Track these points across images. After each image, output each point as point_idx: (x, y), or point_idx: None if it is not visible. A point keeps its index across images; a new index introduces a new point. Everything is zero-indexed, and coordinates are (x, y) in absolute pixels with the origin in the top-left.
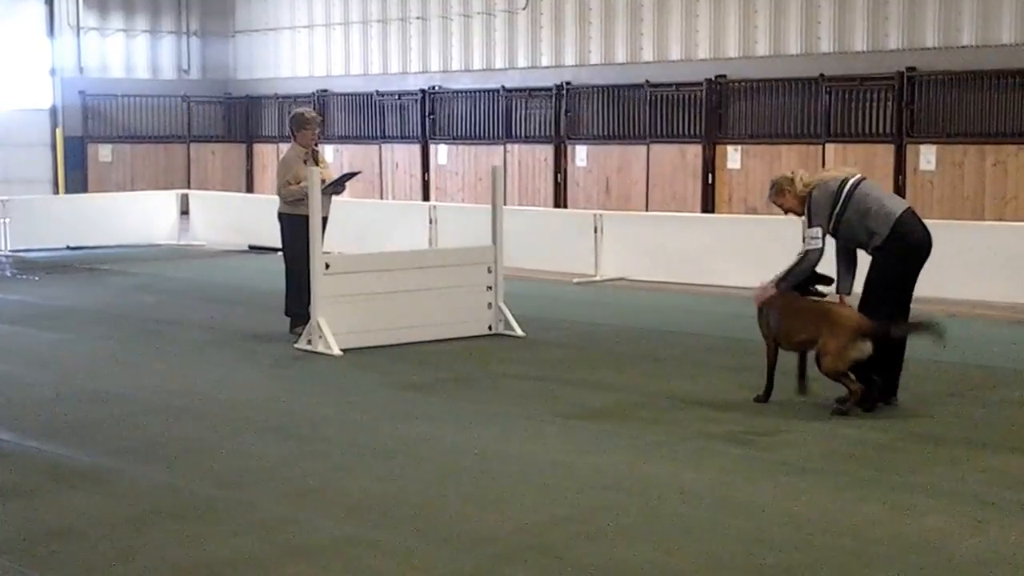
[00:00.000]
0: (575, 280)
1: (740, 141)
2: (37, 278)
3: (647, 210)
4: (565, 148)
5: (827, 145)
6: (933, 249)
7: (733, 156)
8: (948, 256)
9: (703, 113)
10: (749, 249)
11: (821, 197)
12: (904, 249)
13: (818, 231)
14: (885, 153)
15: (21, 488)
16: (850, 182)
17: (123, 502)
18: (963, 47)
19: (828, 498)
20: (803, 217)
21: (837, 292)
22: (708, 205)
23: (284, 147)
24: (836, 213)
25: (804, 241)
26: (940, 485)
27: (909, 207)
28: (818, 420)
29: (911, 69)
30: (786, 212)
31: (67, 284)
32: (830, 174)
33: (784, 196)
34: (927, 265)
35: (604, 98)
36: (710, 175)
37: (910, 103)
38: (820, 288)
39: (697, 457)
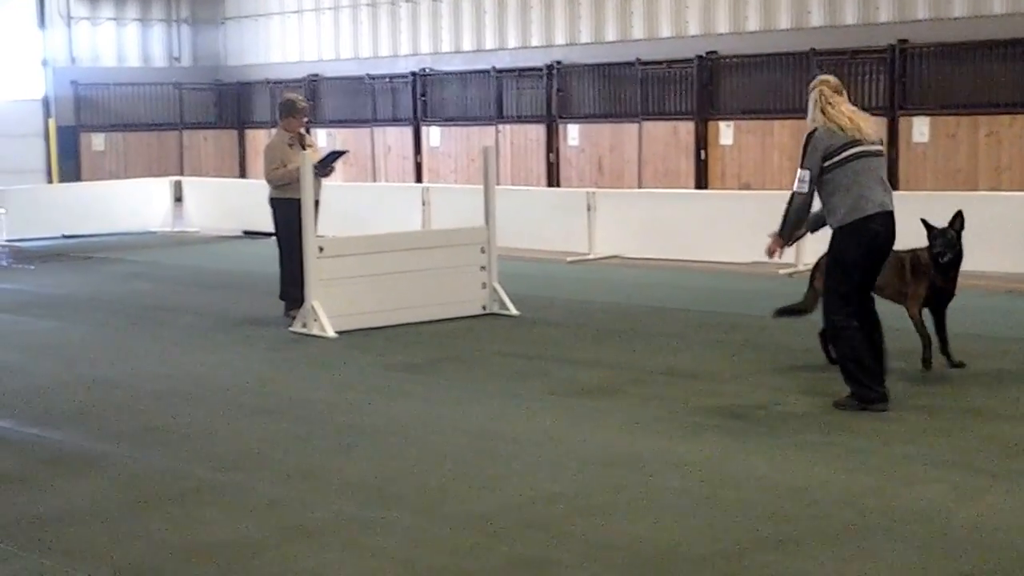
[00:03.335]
0: (569, 259)
1: (732, 117)
2: (32, 267)
3: (640, 188)
4: (557, 127)
5: None
6: (930, 219)
7: (725, 132)
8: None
9: (694, 90)
10: (743, 225)
11: (821, 141)
12: (859, 243)
13: (806, 175)
14: (878, 126)
15: (21, 474)
16: (857, 151)
17: (122, 486)
18: (955, 18)
19: (824, 469)
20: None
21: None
22: (701, 182)
23: (273, 133)
24: (824, 167)
25: (796, 178)
26: (937, 455)
27: (888, 212)
28: (813, 393)
29: (903, 41)
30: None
31: (63, 272)
32: (852, 124)
33: (812, 93)
34: (922, 236)
35: (595, 76)
36: (702, 152)
37: (902, 76)
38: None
39: (692, 431)
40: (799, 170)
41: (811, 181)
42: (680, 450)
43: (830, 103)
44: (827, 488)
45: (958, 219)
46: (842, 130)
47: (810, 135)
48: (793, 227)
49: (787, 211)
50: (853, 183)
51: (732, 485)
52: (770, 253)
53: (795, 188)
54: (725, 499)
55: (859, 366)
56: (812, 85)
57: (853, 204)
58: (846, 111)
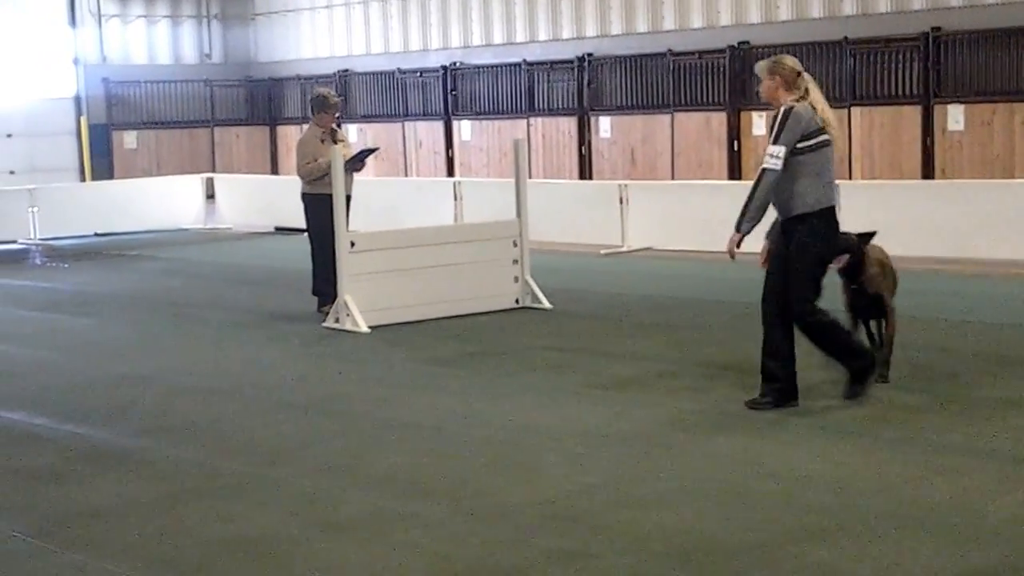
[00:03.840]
0: (602, 251)
1: (765, 107)
2: (66, 265)
3: (673, 179)
4: (589, 120)
5: (853, 108)
6: (964, 208)
7: (758, 122)
8: (979, 216)
9: (727, 80)
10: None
11: (801, 119)
12: (828, 231)
13: (781, 150)
14: (912, 114)
15: (57, 471)
16: (826, 138)
17: (156, 482)
18: (988, 5)
19: (860, 460)
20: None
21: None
22: (735, 172)
23: (305, 129)
24: (797, 147)
25: (766, 155)
26: (972, 445)
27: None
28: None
29: (936, 29)
30: (759, 84)
31: (96, 270)
32: (823, 110)
33: (773, 79)
34: (959, 224)
35: (627, 68)
36: (736, 142)
37: (936, 63)
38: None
39: (727, 423)
40: (772, 146)
41: (784, 159)
42: (716, 442)
43: (809, 85)
44: (863, 479)
45: (868, 235)
46: (818, 116)
47: (789, 111)
48: (760, 209)
49: (754, 191)
50: (823, 170)
51: (768, 476)
52: (731, 255)
53: (767, 164)
54: (761, 490)
55: (850, 346)
56: (789, 65)
57: (824, 191)
58: (820, 96)
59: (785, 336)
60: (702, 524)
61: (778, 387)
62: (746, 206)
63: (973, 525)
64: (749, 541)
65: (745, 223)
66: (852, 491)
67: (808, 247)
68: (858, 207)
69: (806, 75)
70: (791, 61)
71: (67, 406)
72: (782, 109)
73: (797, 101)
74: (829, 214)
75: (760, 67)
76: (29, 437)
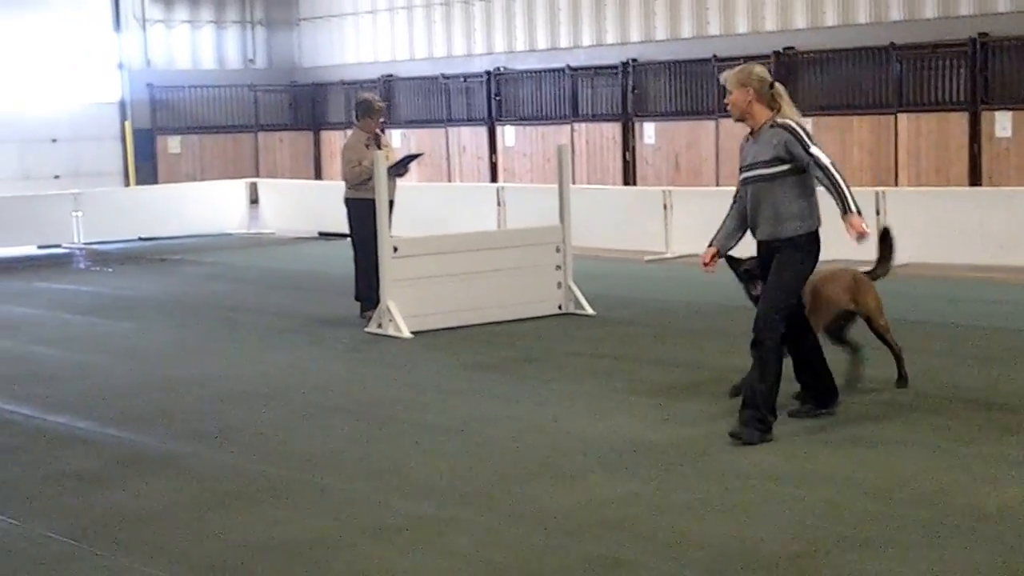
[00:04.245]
0: (646, 258)
1: (810, 113)
2: (110, 270)
3: (717, 186)
4: (633, 125)
5: (899, 115)
6: (1011, 215)
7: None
8: None
9: None
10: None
11: (805, 127)
12: (813, 258)
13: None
14: (959, 121)
15: (100, 474)
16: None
17: (200, 486)
18: None
19: (905, 468)
20: (769, 134)
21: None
22: None
23: (350, 134)
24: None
25: (816, 155)
26: (1018, 455)
27: None
28: (890, 391)
29: (983, 35)
30: (727, 97)
31: (140, 275)
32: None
33: (745, 91)
34: (1006, 232)
35: (671, 74)
36: None
37: (983, 69)
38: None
39: (773, 432)
40: (815, 146)
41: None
42: (759, 450)
43: (783, 99)
44: (909, 487)
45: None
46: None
47: (792, 127)
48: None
49: (843, 177)
50: (815, 189)
51: (812, 484)
52: (862, 235)
53: (830, 160)
54: (805, 498)
55: (773, 393)
56: (760, 74)
57: (816, 211)
58: (795, 111)
59: (812, 344)
60: (743, 532)
61: (816, 394)
62: (848, 190)
63: (1019, 535)
64: (791, 550)
65: (852, 203)
66: (895, 500)
67: (802, 272)
68: (904, 214)
69: (778, 85)
70: (761, 70)
71: (111, 410)
72: (790, 127)
73: (775, 117)
74: (818, 236)
75: (728, 77)
76: (73, 440)
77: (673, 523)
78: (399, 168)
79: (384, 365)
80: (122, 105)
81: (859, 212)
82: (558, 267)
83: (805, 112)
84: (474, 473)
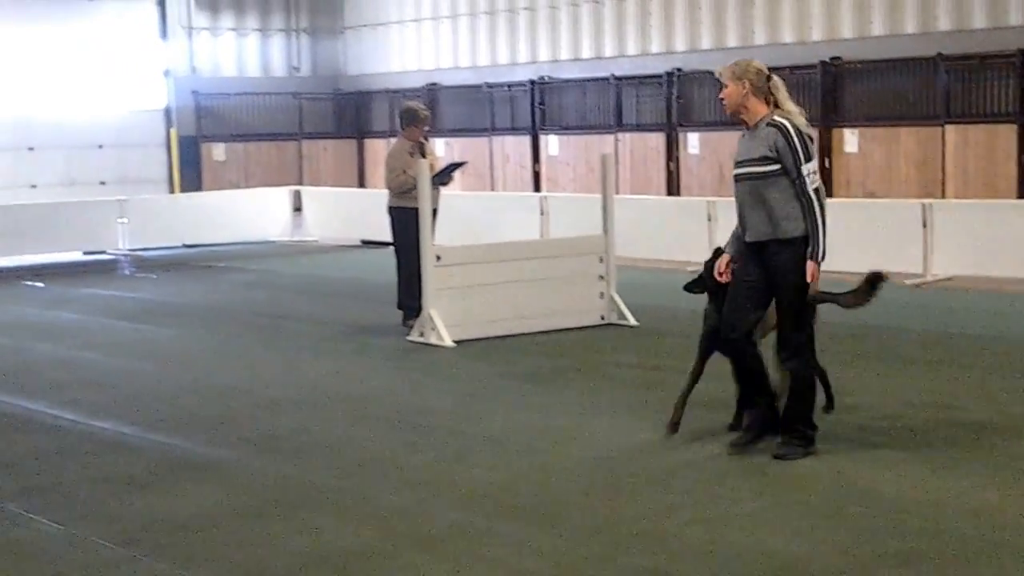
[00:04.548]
0: (689, 269)
1: (857, 124)
2: (155, 276)
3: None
4: (677, 135)
5: (947, 126)
6: None
7: (850, 139)
8: None
9: (818, 96)
10: (868, 234)
11: (804, 133)
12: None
13: (815, 165)
14: (1008, 133)
15: (144, 480)
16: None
17: (243, 493)
18: None
19: (951, 484)
20: (769, 140)
21: (722, 250)
22: (825, 190)
23: (394, 142)
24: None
25: (804, 177)
26: None
27: None
28: (936, 405)
29: None
30: (721, 91)
31: (184, 281)
32: (806, 129)
33: (741, 84)
34: None
35: (716, 83)
36: (827, 159)
37: None
38: None
39: (817, 442)
40: (807, 164)
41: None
42: (803, 464)
43: (779, 92)
44: (954, 503)
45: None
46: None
47: (789, 129)
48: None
49: (822, 216)
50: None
51: (857, 499)
52: (813, 278)
53: (817, 183)
54: (849, 513)
55: (811, 407)
56: (757, 68)
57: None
58: (794, 105)
59: (762, 366)
60: (788, 546)
61: (760, 419)
62: (822, 233)
63: None
64: (836, 565)
65: (820, 248)
66: (944, 516)
67: (801, 275)
68: (951, 226)
69: (775, 78)
70: (759, 64)
71: (155, 416)
72: (786, 131)
73: (773, 113)
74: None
75: (723, 71)
76: (117, 446)
77: (714, 536)
78: (443, 177)
79: (426, 374)
80: (167, 112)
81: (820, 261)
82: (601, 277)
83: (851, 123)
84: (515, 484)
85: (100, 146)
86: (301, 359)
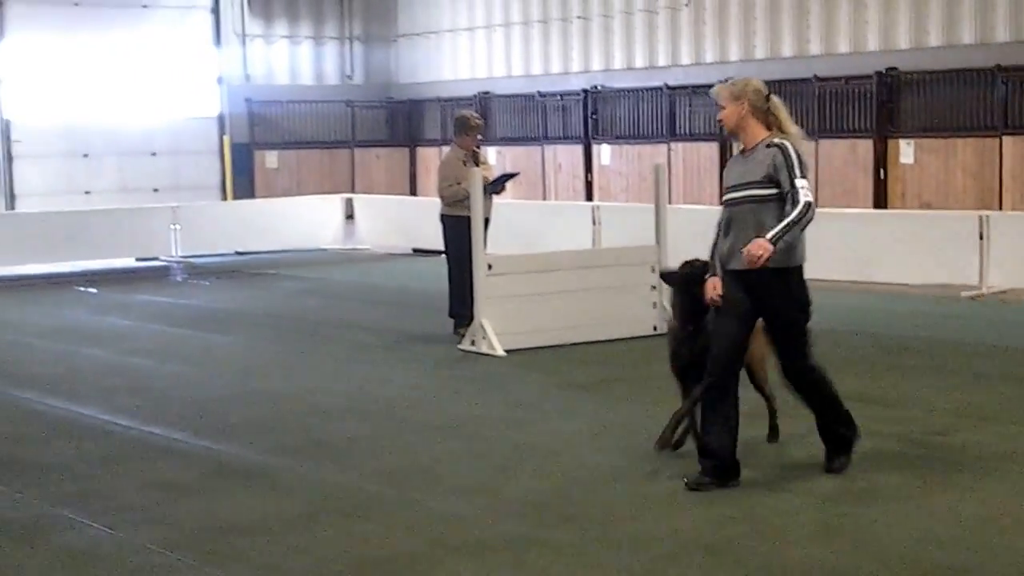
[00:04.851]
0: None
1: (913, 135)
2: (207, 283)
3: (817, 207)
4: (731, 146)
5: (1004, 137)
6: None
7: (906, 151)
8: None
9: (874, 107)
10: (924, 246)
11: (801, 152)
12: (802, 287)
13: (808, 183)
14: None
15: (195, 486)
16: None
17: (292, 500)
18: None
19: (1003, 498)
20: (768, 157)
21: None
22: (881, 201)
23: (447, 150)
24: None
25: (797, 188)
26: None
27: None
28: (992, 419)
29: None
30: (719, 112)
31: (236, 289)
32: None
33: (740, 104)
34: None
35: (771, 93)
36: (882, 170)
37: None
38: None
39: (870, 457)
40: (800, 179)
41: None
42: (858, 477)
43: (780, 111)
44: (1011, 518)
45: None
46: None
47: (787, 148)
48: (796, 238)
49: (802, 217)
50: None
51: (907, 512)
52: (756, 260)
53: (809, 197)
54: (906, 527)
55: (842, 409)
56: (756, 87)
57: (804, 243)
58: (796, 127)
59: (735, 405)
60: (845, 558)
61: (716, 464)
62: (790, 229)
63: None
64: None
65: (782, 242)
66: (994, 530)
67: (797, 298)
68: (1008, 238)
69: (775, 98)
70: (758, 83)
71: (206, 422)
72: (786, 149)
73: (773, 136)
74: (802, 271)
75: (720, 91)
76: (168, 451)
77: (770, 547)
78: (495, 186)
79: (477, 383)
80: (221, 119)
81: (772, 246)
82: (653, 287)
83: (907, 134)
84: (566, 494)
85: (153, 153)
86: (352, 366)
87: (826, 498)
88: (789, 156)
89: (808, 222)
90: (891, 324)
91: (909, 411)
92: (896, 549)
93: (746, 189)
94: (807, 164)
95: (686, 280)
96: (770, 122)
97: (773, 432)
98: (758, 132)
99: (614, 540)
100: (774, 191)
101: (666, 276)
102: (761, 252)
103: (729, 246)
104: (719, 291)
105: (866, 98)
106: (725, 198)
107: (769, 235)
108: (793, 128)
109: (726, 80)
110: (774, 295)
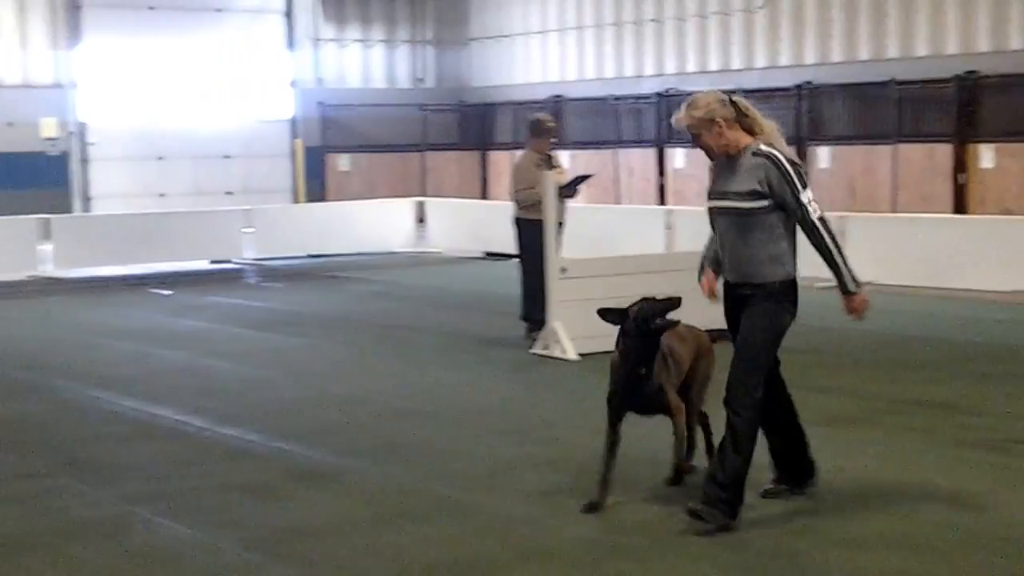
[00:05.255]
0: (817, 285)
1: (994, 139)
2: (280, 285)
3: (894, 212)
4: (806, 149)
5: None
6: None
7: (986, 155)
8: None
9: (953, 110)
10: (1004, 252)
11: (797, 162)
12: (791, 307)
13: (812, 194)
14: None
15: (268, 487)
16: None
17: (364, 502)
18: None
19: None
20: (761, 170)
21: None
22: (960, 206)
23: (519, 154)
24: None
25: (805, 206)
26: None
27: None
28: None
29: None
30: (696, 141)
31: (308, 291)
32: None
33: (714, 125)
34: None
35: (847, 97)
36: (961, 175)
37: None
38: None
39: (951, 465)
40: (804, 192)
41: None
42: (939, 484)
43: (761, 120)
44: None
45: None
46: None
47: (780, 159)
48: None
49: (836, 245)
50: (795, 232)
51: (997, 522)
52: (856, 312)
53: (819, 212)
54: (990, 536)
55: (745, 469)
56: (718, 97)
57: (793, 258)
58: (781, 137)
59: (789, 409)
60: (925, 568)
61: (792, 468)
62: (845, 262)
63: None
64: None
65: (846, 269)
66: None
67: (778, 324)
68: None
69: (739, 98)
70: (713, 95)
71: (280, 424)
72: (777, 162)
73: (757, 142)
74: (795, 286)
75: (684, 121)
76: (242, 453)
77: (848, 555)
78: (569, 190)
79: (549, 387)
80: (293, 123)
81: (859, 287)
82: None
83: (988, 138)
84: (641, 500)
85: (227, 156)
86: (424, 370)
87: (908, 506)
88: (785, 170)
89: (833, 236)
90: (970, 330)
91: (985, 418)
92: (978, 558)
93: (730, 200)
94: (803, 167)
95: (643, 318)
96: (745, 124)
97: (710, 449)
98: (740, 138)
99: (688, 546)
100: (763, 204)
101: (608, 314)
102: (864, 307)
103: (722, 257)
104: (709, 289)
105: (945, 102)
106: (709, 204)
107: (844, 284)
108: (767, 124)
109: (683, 106)
110: (758, 308)
